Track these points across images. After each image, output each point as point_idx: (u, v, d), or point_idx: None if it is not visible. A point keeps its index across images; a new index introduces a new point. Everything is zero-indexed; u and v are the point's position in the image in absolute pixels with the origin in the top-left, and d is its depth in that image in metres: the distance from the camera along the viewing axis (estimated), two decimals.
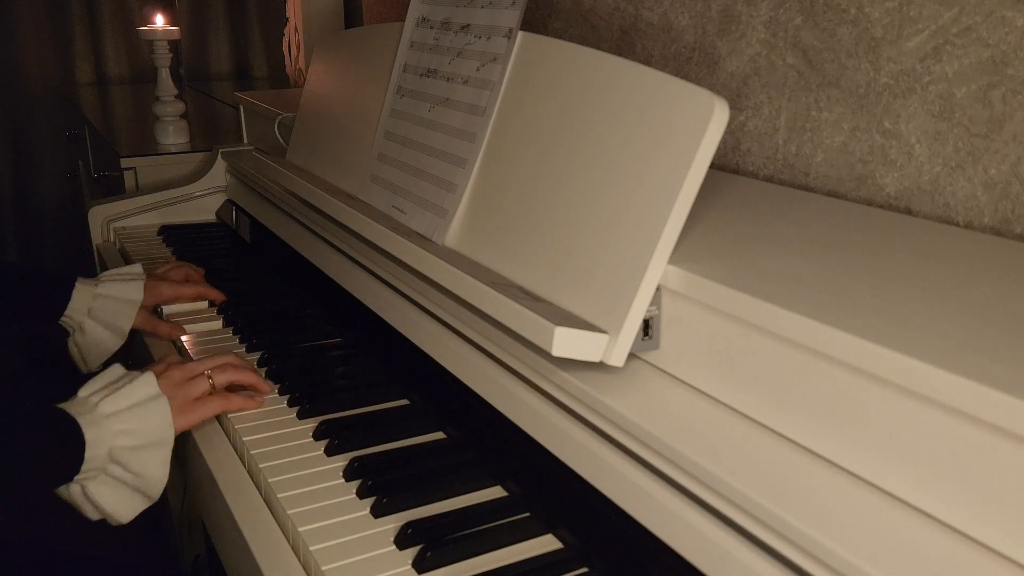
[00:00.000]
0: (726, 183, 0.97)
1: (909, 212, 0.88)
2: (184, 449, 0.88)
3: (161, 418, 0.80)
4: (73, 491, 0.77)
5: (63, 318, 1.08)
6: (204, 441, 0.84)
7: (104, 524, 0.81)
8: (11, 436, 0.74)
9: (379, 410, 0.89)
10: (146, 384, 0.81)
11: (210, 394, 0.86)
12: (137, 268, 1.15)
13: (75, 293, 1.08)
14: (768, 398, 0.58)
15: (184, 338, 1.08)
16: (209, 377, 0.86)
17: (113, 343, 1.10)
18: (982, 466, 0.46)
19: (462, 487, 0.74)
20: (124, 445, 0.77)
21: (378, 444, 0.82)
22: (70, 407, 0.78)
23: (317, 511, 0.71)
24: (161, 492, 0.80)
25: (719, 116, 0.61)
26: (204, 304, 1.18)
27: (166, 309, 1.15)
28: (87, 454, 0.75)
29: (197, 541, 1.61)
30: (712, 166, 0.85)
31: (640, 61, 0.70)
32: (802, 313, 0.54)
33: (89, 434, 0.76)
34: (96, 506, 0.78)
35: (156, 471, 0.79)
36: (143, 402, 0.80)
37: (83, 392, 0.80)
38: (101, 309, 1.08)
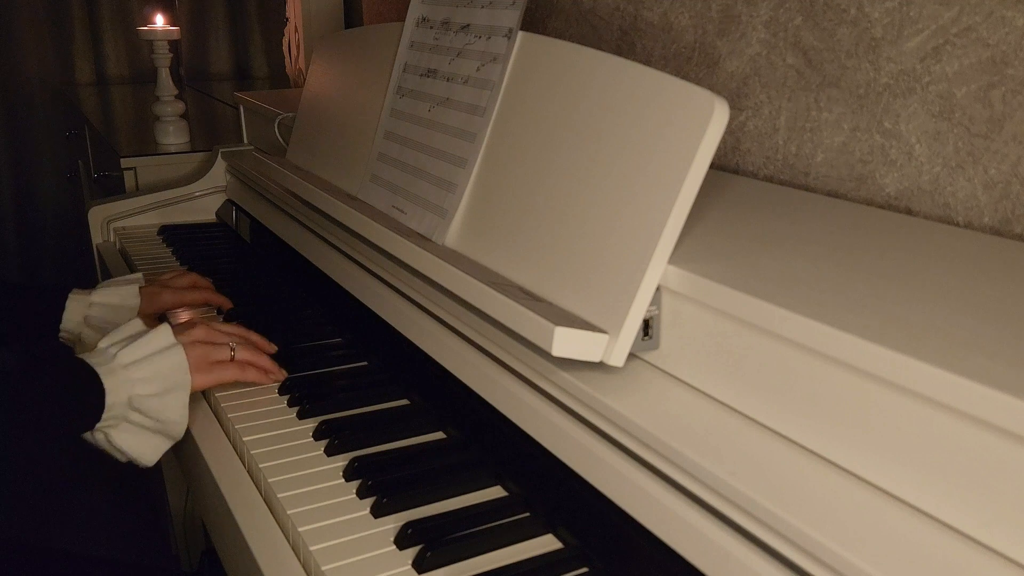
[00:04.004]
0: (726, 183, 0.97)
1: (909, 212, 0.88)
2: (184, 449, 0.88)
3: (178, 363, 0.83)
4: (98, 438, 0.80)
5: (61, 333, 1.07)
6: (204, 441, 0.84)
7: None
8: (32, 385, 0.76)
9: (379, 410, 0.89)
10: (163, 334, 0.84)
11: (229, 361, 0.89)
12: (135, 275, 1.13)
13: (68, 304, 1.06)
14: (768, 398, 0.58)
15: None
16: (232, 348, 0.89)
17: None
18: (982, 466, 0.46)
19: (462, 487, 0.74)
20: (143, 393, 0.80)
21: (378, 444, 0.82)
22: (89, 357, 0.80)
23: (317, 511, 0.71)
24: (183, 433, 0.84)
25: (719, 116, 0.61)
26: (213, 312, 1.15)
27: (173, 320, 1.12)
28: (107, 402, 0.78)
29: (197, 541, 1.61)
30: (712, 166, 0.86)
31: (640, 61, 0.70)
32: (802, 313, 0.54)
33: (108, 383, 0.78)
34: (121, 451, 0.81)
35: (175, 414, 0.82)
36: (160, 351, 0.82)
37: (103, 343, 0.83)
38: (97, 317, 1.06)
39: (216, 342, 0.89)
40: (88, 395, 0.77)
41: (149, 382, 0.80)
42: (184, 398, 0.83)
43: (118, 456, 0.82)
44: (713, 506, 0.54)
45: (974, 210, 0.82)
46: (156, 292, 1.11)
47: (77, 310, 1.06)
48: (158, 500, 1.76)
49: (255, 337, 0.95)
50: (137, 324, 0.86)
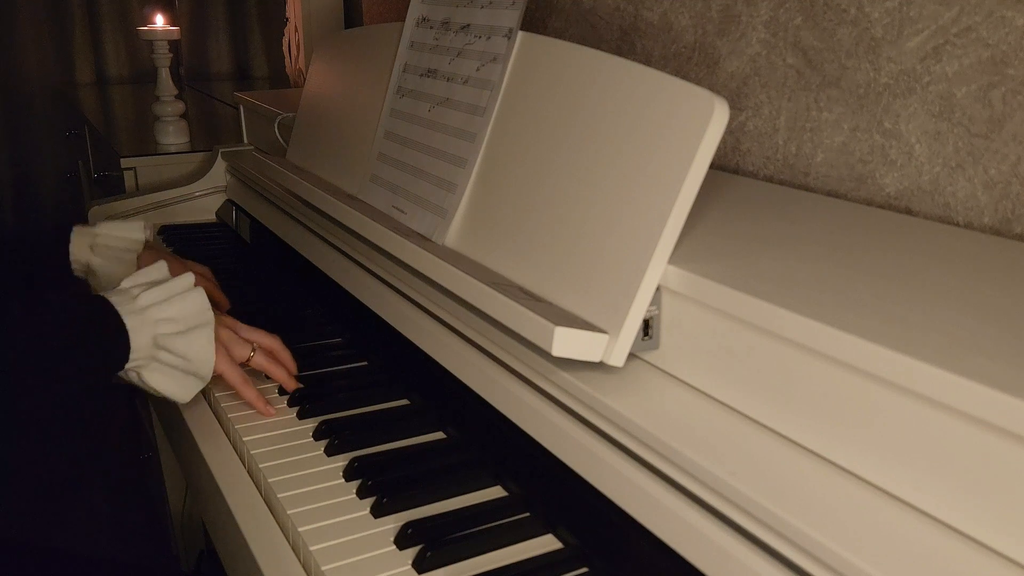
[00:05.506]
0: (726, 183, 0.97)
1: (909, 212, 0.88)
2: (184, 449, 0.88)
3: (200, 303, 0.84)
4: (131, 376, 0.82)
5: (72, 265, 1.09)
6: (204, 441, 0.84)
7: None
8: (57, 331, 0.77)
9: (379, 410, 0.89)
10: (184, 279, 0.84)
11: (245, 362, 0.89)
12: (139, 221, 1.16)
13: (73, 238, 1.08)
14: (768, 398, 0.58)
15: None
16: (252, 350, 0.90)
17: (126, 272, 1.10)
18: (982, 466, 0.46)
19: (462, 487, 0.74)
20: (167, 332, 0.81)
21: (378, 444, 0.82)
22: (111, 296, 0.81)
23: (317, 511, 0.71)
24: (211, 372, 0.84)
25: (719, 116, 0.61)
26: None
27: None
28: (132, 344, 0.79)
29: (197, 541, 1.61)
30: (712, 166, 0.85)
31: (640, 61, 0.70)
32: (802, 313, 0.54)
33: (131, 323, 0.79)
34: (154, 390, 0.82)
35: (202, 352, 0.83)
36: (181, 292, 0.83)
37: (126, 283, 0.84)
38: (103, 247, 1.09)
39: (240, 336, 0.89)
40: (114, 337, 0.78)
41: (172, 322, 0.81)
42: (209, 335, 0.83)
43: (154, 393, 0.83)
44: (713, 506, 0.54)
45: (974, 210, 0.82)
46: (165, 253, 1.13)
47: (82, 241, 1.09)
48: (158, 500, 1.76)
49: (282, 354, 0.92)
50: (162, 269, 0.86)
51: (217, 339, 0.85)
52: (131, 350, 0.79)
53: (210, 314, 0.84)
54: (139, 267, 1.09)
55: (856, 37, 0.91)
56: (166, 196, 1.59)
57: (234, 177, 1.57)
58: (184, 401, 0.85)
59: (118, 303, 0.79)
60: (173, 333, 0.81)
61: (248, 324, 1.08)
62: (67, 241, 1.08)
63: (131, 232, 1.11)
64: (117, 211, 1.56)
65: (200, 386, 0.85)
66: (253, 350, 0.90)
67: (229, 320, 0.90)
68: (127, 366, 0.79)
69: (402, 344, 0.89)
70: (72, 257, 1.08)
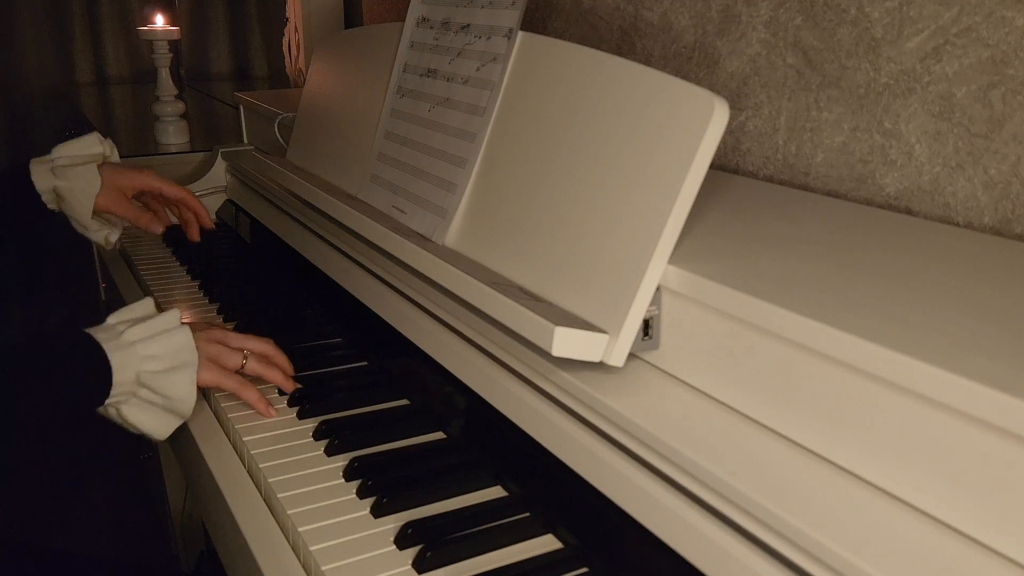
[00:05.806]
0: (726, 183, 0.97)
1: (909, 212, 0.88)
2: (184, 449, 0.88)
3: (185, 342, 0.83)
4: (109, 412, 0.81)
5: (43, 197, 1.11)
6: (204, 441, 0.84)
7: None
8: (39, 363, 0.77)
9: (379, 410, 0.89)
10: (171, 316, 0.84)
11: (239, 369, 0.89)
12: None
13: (32, 169, 1.11)
14: (768, 398, 0.58)
15: None
16: (245, 357, 0.89)
17: (91, 188, 1.13)
18: (982, 466, 0.46)
19: (462, 487, 0.74)
20: (150, 370, 0.80)
21: (378, 444, 0.82)
22: (97, 332, 0.80)
23: (317, 511, 0.71)
24: (191, 411, 0.84)
25: (719, 116, 0.61)
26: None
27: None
28: (114, 379, 0.78)
29: (197, 541, 1.61)
30: (712, 166, 0.85)
31: (640, 61, 0.70)
32: (802, 313, 0.54)
33: (115, 359, 0.79)
34: (132, 425, 0.82)
35: (183, 391, 0.82)
36: (167, 330, 0.83)
37: (111, 319, 0.83)
38: (63, 168, 1.11)
39: (231, 346, 0.88)
40: (96, 372, 0.78)
41: (156, 359, 0.81)
42: (191, 376, 0.83)
43: (131, 429, 0.83)
44: (713, 506, 0.54)
45: (974, 210, 0.82)
46: (131, 168, 1.17)
47: (42, 169, 1.11)
48: (158, 500, 1.76)
49: (276, 357, 0.92)
50: (148, 306, 0.86)
51: (206, 356, 0.85)
52: (112, 385, 0.78)
53: (194, 354, 0.83)
54: (102, 179, 1.13)
55: (856, 37, 0.91)
56: None
57: (234, 177, 1.57)
58: (161, 439, 0.84)
59: (103, 339, 0.79)
60: (156, 371, 0.80)
61: (248, 324, 1.08)
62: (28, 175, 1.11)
63: (87, 148, 1.13)
64: None
65: (178, 423, 0.84)
66: (245, 357, 0.89)
67: (217, 333, 0.89)
68: (107, 401, 0.79)
69: (402, 344, 0.89)
70: (39, 189, 1.10)
